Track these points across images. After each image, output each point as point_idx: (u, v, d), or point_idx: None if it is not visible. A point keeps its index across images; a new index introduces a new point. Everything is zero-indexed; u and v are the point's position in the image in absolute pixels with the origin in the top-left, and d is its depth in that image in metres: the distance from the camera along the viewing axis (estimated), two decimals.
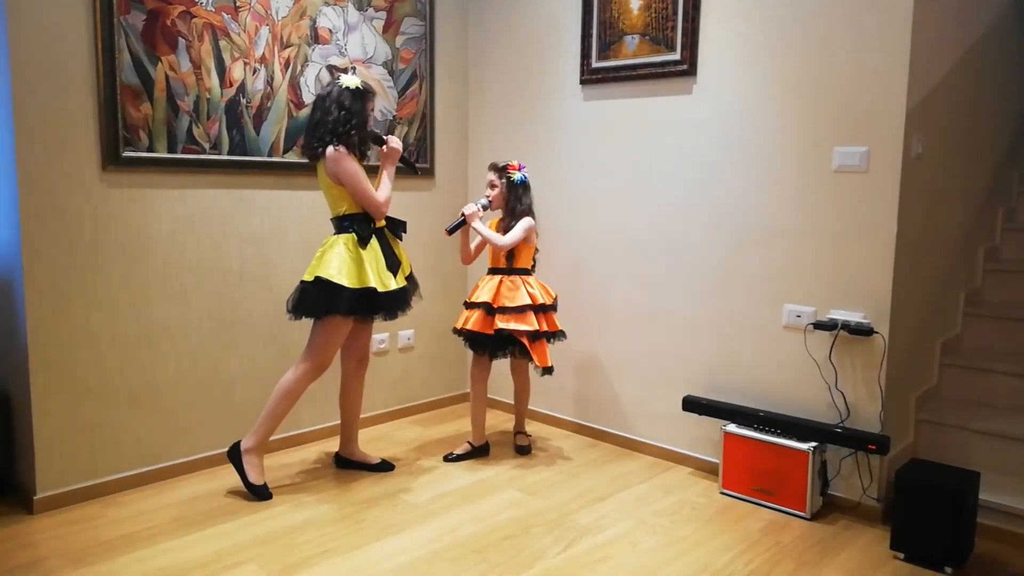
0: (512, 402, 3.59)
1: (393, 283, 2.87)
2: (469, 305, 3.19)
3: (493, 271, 3.23)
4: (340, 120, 2.79)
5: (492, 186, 3.22)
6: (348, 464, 3.19)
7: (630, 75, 3.32)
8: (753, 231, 3.01)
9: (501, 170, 3.22)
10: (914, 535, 2.46)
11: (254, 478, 2.88)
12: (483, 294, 3.14)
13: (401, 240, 3.03)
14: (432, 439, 3.58)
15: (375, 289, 2.80)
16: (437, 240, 3.84)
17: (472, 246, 3.30)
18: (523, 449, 3.41)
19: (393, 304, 2.93)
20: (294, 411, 3.37)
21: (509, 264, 3.19)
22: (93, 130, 2.74)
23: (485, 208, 3.20)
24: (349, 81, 2.84)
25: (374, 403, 3.77)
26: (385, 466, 3.18)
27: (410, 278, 3.03)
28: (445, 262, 3.94)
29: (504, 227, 3.20)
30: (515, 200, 3.20)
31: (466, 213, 3.15)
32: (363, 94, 2.86)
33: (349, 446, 3.19)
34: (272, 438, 3.34)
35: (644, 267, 3.37)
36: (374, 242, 2.88)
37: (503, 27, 3.84)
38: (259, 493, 2.86)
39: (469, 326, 3.12)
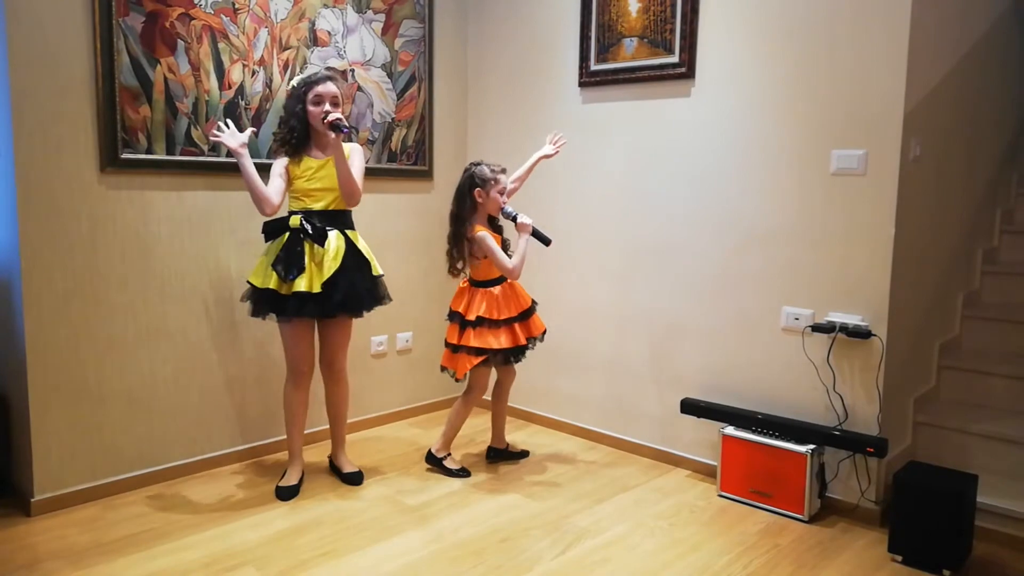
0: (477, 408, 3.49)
1: (269, 283, 2.75)
2: (505, 322, 3.00)
3: (495, 281, 3.05)
4: (279, 124, 2.94)
5: (503, 192, 3.06)
6: (331, 468, 3.18)
7: (629, 77, 3.32)
8: (751, 233, 3.01)
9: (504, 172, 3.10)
10: (912, 538, 2.46)
11: (282, 480, 3.00)
12: (510, 307, 3.03)
13: (320, 245, 2.77)
14: (431, 441, 3.57)
15: (269, 287, 2.78)
16: (436, 243, 3.84)
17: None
18: (524, 452, 3.40)
19: (295, 306, 2.76)
20: None
21: None
22: (92, 132, 2.74)
23: None
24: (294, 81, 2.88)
25: (373, 405, 3.77)
26: (351, 478, 3.05)
27: (334, 284, 2.77)
28: (443, 264, 3.93)
29: (496, 228, 3.12)
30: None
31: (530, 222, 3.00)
32: (294, 90, 2.83)
33: (332, 450, 3.18)
34: (268, 440, 3.34)
35: (642, 269, 3.38)
36: (279, 241, 2.80)
37: (502, 29, 3.85)
38: (276, 492, 2.95)
39: (539, 330, 3.11)
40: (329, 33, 3.38)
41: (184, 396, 3.08)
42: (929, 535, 2.42)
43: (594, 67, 3.46)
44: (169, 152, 2.94)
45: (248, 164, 2.75)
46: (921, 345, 3.09)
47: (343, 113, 2.80)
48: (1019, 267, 3.54)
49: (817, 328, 2.82)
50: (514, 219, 3.00)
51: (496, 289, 3.04)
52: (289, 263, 2.75)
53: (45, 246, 2.68)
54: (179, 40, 2.91)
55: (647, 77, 3.26)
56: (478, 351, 2.99)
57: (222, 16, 3.02)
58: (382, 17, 3.58)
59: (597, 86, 3.46)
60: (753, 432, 2.92)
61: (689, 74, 3.13)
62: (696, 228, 3.18)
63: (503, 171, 3.07)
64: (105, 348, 2.84)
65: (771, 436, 2.88)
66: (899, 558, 2.49)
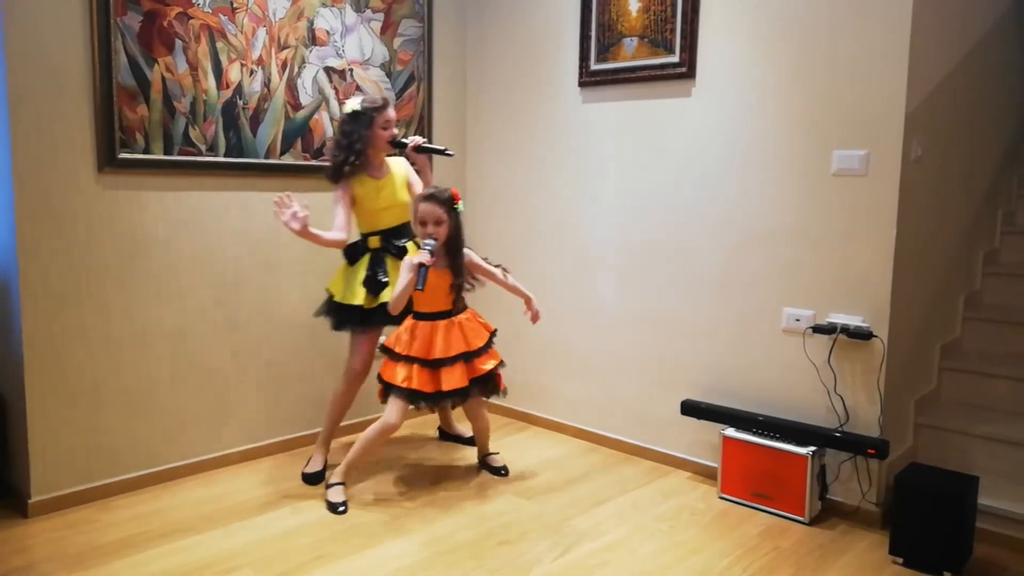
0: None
1: (359, 300, 2.91)
2: (406, 359, 2.81)
3: (435, 315, 2.83)
4: (336, 147, 2.93)
5: (439, 223, 2.73)
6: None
7: (629, 77, 3.31)
8: (752, 234, 3.00)
9: (447, 201, 2.76)
10: (913, 540, 2.45)
11: (307, 467, 3.12)
12: (455, 345, 2.81)
13: (399, 259, 2.91)
14: (429, 444, 3.57)
15: (356, 303, 2.94)
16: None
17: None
18: (502, 470, 3.18)
19: (376, 318, 2.94)
20: (291, 415, 3.36)
21: (457, 306, 2.88)
22: (89, 132, 2.73)
23: (433, 253, 2.71)
24: (346, 107, 2.93)
25: (372, 407, 3.74)
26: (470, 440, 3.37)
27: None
28: None
29: (449, 265, 2.80)
30: (458, 233, 2.81)
31: (425, 262, 2.65)
32: (359, 115, 2.89)
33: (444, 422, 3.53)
34: (266, 441, 3.34)
35: (643, 270, 3.36)
36: (363, 261, 2.99)
37: (501, 29, 3.83)
38: (303, 477, 3.09)
39: (450, 386, 2.77)
40: (328, 32, 3.37)
41: (181, 397, 3.06)
42: (930, 537, 2.41)
43: (594, 67, 3.44)
44: (167, 152, 2.92)
45: (315, 234, 2.75)
46: (922, 346, 3.07)
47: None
48: (1020, 268, 3.52)
49: (818, 329, 2.81)
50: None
51: (425, 324, 2.83)
52: (376, 281, 2.94)
53: (42, 246, 2.66)
54: (177, 39, 2.90)
55: (647, 77, 3.25)
56: (380, 379, 2.91)
57: (220, 15, 3.01)
58: (381, 16, 3.57)
59: (597, 86, 3.45)
60: (754, 434, 2.91)
61: (690, 74, 3.11)
62: (697, 228, 3.17)
63: (426, 198, 2.76)
64: (102, 349, 2.83)
65: (772, 438, 2.87)
66: (900, 560, 2.48)
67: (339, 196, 2.91)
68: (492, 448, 3.29)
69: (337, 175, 2.91)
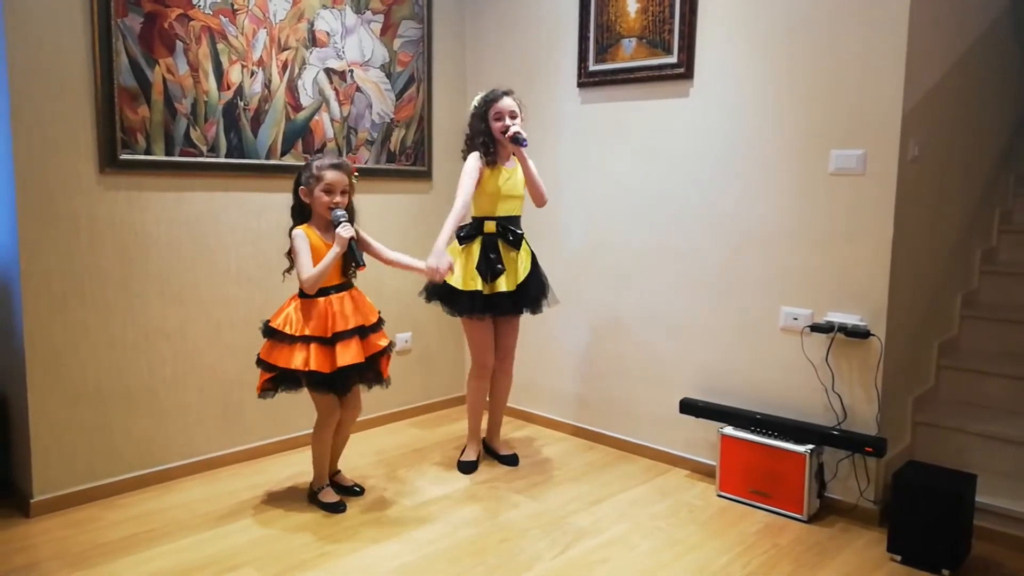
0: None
1: (477, 285, 2.98)
2: (302, 339, 2.60)
3: (327, 290, 2.66)
4: (465, 140, 3.11)
5: (344, 192, 2.66)
6: (486, 450, 3.42)
7: (627, 78, 3.32)
8: (750, 233, 3.01)
9: (350, 172, 2.71)
10: (911, 537, 2.46)
11: (463, 456, 3.28)
12: (352, 318, 2.66)
13: (516, 248, 3.04)
14: (430, 442, 3.58)
15: (476, 288, 3.01)
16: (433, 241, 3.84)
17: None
18: (356, 487, 2.97)
19: (499, 304, 3.02)
20: (292, 415, 3.37)
21: (349, 277, 2.76)
22: (90, 133, 2.74)
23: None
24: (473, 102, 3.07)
25: (371, 406, 3.76)
26: (509, 460, 3.32)
27: (526, 283, 3.04)
28: None
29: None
30: (352, 204, 2.76)
31: (354, 236, 2.67)
32: (476, 108, 3.04)
33: (489, 435, 3.41)
34: (267, 440, 3.36)
35: (641, 269, 3.38)
36: (475, 244, 3.04)
37: (501, 30, 3.85)
38: (459, 466, 3.23)
39: (344, 361, 2.60)
40: (328, 34, 3.39)
41: (182, 397, 3.07)
42: (928, 535, 2.42)
43: (593, 67, 3.46)
44: (168, 153, 2.94)
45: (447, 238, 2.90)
46: (920, 345, 3.09)
47: (520, 122, 3.01)
48: (1017, 267, 3.54)
49: (816, 328, 2.82)
50: (336, 225, 2.63)
51: (317, 301, 2.64)
52: (489, 265, 3.00)
53: (44, 247, 2.68)
54: (178, 41, 2.91)
55: (646, 77, 3.26)
56: (268, 367, 2.64)
57: (221, 17, 3.02)
58: (381, 18, 3.59)
59: (596, 86, 3.46)
60: (752, 432, 2.92)
61: (687, 74, 3.13)
62: (695, 228, 3.18)
63: (335, 166, 2.65)
64: (104, 349, 2.84)
65: (770, 436, 2.88)
66: (898, 558, 2.49)
67: (470, 168, 2.98)
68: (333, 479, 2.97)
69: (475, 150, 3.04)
